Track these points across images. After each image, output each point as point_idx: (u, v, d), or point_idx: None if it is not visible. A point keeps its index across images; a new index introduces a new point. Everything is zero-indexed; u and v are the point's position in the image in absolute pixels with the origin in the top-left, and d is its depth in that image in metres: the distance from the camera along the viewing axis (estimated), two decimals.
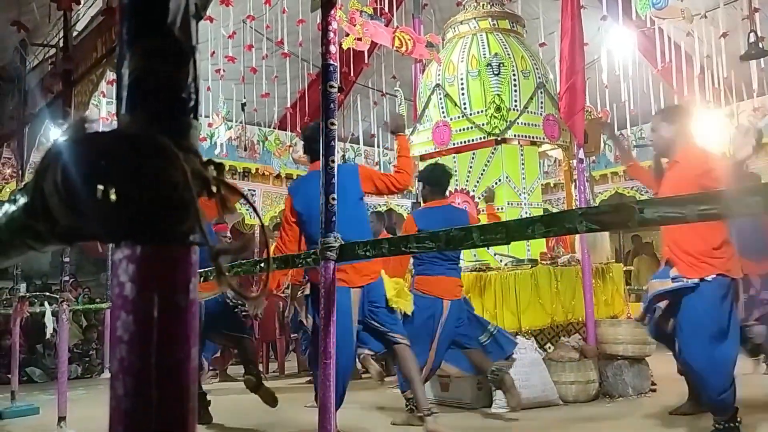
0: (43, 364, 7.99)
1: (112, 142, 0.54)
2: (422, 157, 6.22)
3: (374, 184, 3.88)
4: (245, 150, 8.92)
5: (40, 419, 5.12)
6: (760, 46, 5.98)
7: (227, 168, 9.04)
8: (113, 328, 0.56)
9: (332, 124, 2.67)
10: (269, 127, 9.35)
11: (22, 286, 7.25)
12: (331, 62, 2.69)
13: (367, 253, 2.60)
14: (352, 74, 8.14)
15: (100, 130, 0.56)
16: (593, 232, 1.93)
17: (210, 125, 8.36)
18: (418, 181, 4.84)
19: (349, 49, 6.42)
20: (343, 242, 2.57)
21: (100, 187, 0.54)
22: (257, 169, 9.24)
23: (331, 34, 2.70)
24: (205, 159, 0.60)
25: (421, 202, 4.71)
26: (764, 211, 1.53)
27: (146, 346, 0.54)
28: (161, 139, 0.54)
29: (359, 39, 6.03)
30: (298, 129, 8.53)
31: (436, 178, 4.57)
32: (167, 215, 0.54)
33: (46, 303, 6.99)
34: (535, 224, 1.94)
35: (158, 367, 0.54)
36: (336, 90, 2.69)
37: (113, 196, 0.54)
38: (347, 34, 5.85)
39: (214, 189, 0.59)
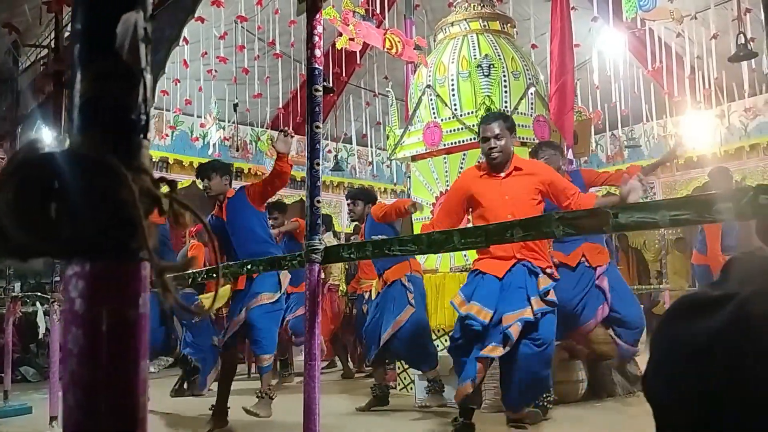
0: (36, 363, 8.00)
1: (63, 162, 0.56)
2: (414, 158, 6.24)
3: (261, 197, 4.57)
4: (237, 150, 8.94)
5: (32, 419, 5.14)
6: (749, 47, 6.02)
7: None
8: (65, 342, 0.58)
9: (317, 127, 2.69)
10: (262, 127, 9.36)
11: (16, 285, 7.26)
12: (317, 66, 2.71)
13: (351, 255, 2.63)
14: (344, 75, 8.16)
15: (52, 151, 0.58)
16: (570, 236, 1.97)
17: (202, 125, 8.38)
18: (358, 201, 5.36)
19: (341, 49, 6.45)
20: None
21: (52, 205, 0.56)
22: (250, 169, 9.26)
23: (317, 38, 2.72)
24: (156, 177, 0.62)
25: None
26: (735, 215, 1.56)
27: (95, 359, 0.56)
28: (110, 160, 0.56)
29: (352, 39, 6.06)
30: (290, 129, 8.55)
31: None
32: (116, 233, 0.56)
33: (38, 303, 7.00)
34: (514, 228, 1.98)
35: (107, 380, 0.57)
36: (321, 94, 2.71)
37: (63, 215, 0.56)
38: (340, 34, 5.88)
39: (166, 206, 0.62)
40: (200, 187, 4.69)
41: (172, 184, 0.63)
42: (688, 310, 0.82)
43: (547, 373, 3.81)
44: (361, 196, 5.40)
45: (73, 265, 0.57)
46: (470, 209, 3.83)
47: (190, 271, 3.46)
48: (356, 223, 8.27)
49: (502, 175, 3.73)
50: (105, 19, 0.59)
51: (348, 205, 5.49)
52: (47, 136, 5.42)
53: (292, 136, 4.53)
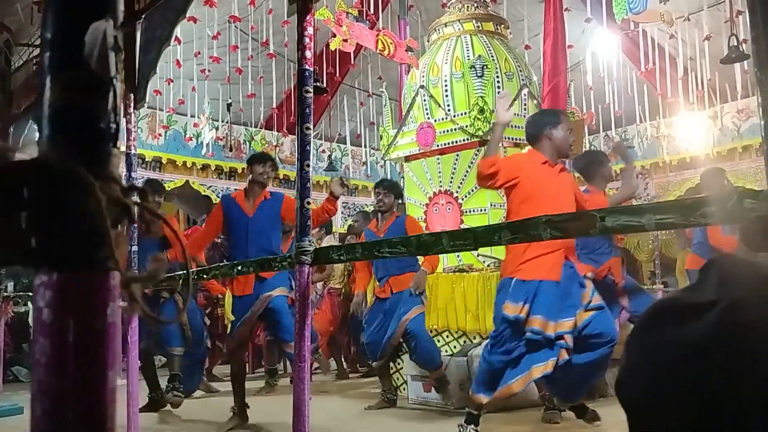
0: (28, 363, 7.97)
1: (30, 171, 0.56)
2: (407, 158, 6.25)
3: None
4: (231, 150, 8.92)
5: (23, 419, 5.11)
6: (742, 49, 6.03)
7: (213, 168, 9.05)
8: (33, 351, 0.58)
9: (307, 128, 2.68)
10: (255, 127, 9.35)
11: (9, 285, 7.23)
12: (307, 67, 2.70)
13: (341, 257, 2.63)
14: (338, 75, 8.16)
15: (20, 159, 0.57)
16: (557, 239, 1.96)
17: (196, 125, 8.36)
18: (390, 193, 5.22)
19: (335, 49, 6.45)
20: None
21: (20, 215, 0.56)
22: (243, 169, 9.23)
23: (307, 40, 2.71)
24: (127, 185, 0.62)
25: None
26: (720, 220, 1.57)
27: (63, 369, 0.56)
28: (77, 169, 0.56)
29: (345, 40, 6.06)
30: (284, 129, 8.55)
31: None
32: (82, 243, 0.56)
33: (30, 302, 6.98)
34: (502, 231, 1.99)
35: (75, 389, 0.56)
36: (311, 95, 2.71)
37: (31, 225, 0.56)
38: (334, 35, 5.89)
39: (137, 215, 0.61)
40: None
41: (142, 192, 0.63)
42: (669, 314, 0.82)
43: (603, 372, 3.84)
44: (396, 189, 5.30)
45: (41, 275, 0.57)
46: (509, 189, 3.65)
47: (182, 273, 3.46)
48: (351, 223, 8.27)
49: (557, 169, 3.75)
50: (74, 28, 0.59)
51: (378, 193, 5.26)
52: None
53: (346, 186, 4.60)
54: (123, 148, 3.70)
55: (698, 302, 0.76)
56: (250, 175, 4.60)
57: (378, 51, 5.70)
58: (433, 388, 4.94)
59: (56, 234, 0.56)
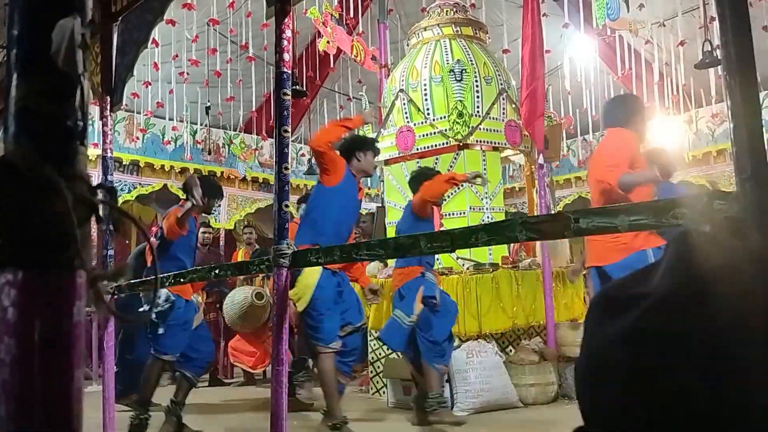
0: None
1: None
2: (387, 162, 6.25)
3: None
4: (210, 153, 8.85)
5: None
6: (715, 54, 6.12)
7: (192, 171, 8.97)
8: None
9: (285, 131, 2.68)
10: (234, 130, 9.30)
11: None
12: (285, 70, 2.70)
13: (319, 260, 2.63)
14: (318, 78, 8.14)
15: None
16: (533, 240, 1.99)
17: (174, 128, 8.30)
18: None
19: (315, 53, 6.47)
20: None
21: None
22: (222, 173, 9.18)
23: (285, 42, 2.71)
24: (95, 184, 0.61)
25: None
26: (692, 221, 1.59)
27: (28, 369, 0.56)
28: (43, 167, 0.56)
29: (328, 42, 6.08)
30: (263, 132, 8.52)
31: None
32: (48, 242, 0.56)
33: None
34: (479, 233, 1.99)
35: (41, 389, 0.56)
36: (290, 98, 2.70)
37: None
38: (317, 37, 5.93)
39: (104, 214, 0.61)
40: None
41: (111, 191, 0.62)
42: (603, 306, 0.72)
43: None
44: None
45: (7, 274, 0.56)
46: None
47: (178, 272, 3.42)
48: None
49: None
50: (41, 25, 0.59)
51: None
52: None
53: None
54: (99, 152, 3.67)
55: (635, 293, 0.66)
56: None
57: (352, 56, 5.74)
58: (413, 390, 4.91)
59: (22, 233, 0.56)
